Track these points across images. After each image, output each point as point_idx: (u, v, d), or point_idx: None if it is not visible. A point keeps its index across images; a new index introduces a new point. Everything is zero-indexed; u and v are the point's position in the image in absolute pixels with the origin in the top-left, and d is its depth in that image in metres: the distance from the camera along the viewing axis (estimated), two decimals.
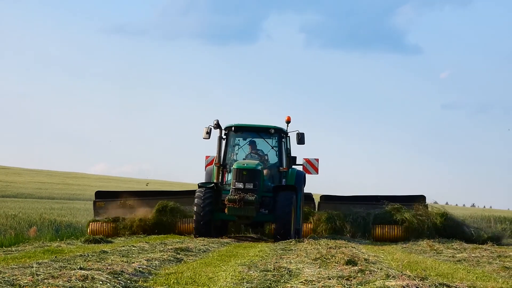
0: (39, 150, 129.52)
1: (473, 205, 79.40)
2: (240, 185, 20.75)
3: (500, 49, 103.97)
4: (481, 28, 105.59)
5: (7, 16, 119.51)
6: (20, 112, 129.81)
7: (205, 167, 23.96)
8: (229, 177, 22.03)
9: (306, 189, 24.34)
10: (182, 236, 21.66)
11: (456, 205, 75.62)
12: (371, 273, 10.60)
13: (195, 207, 21.01)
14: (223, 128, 22.24)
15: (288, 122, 22.39)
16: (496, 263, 14.38)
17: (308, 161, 25.14)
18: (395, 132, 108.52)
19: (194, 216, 21.05)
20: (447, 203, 73.05)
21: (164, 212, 23.35)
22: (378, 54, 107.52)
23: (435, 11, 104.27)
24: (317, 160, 25.40)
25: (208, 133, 21.95)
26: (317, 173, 25.50)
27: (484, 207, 76.43)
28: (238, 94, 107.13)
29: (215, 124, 21.90)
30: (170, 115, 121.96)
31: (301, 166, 24.12)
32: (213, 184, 21.46)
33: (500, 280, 11.75)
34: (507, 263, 14.32)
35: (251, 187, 20.75)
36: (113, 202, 24.91)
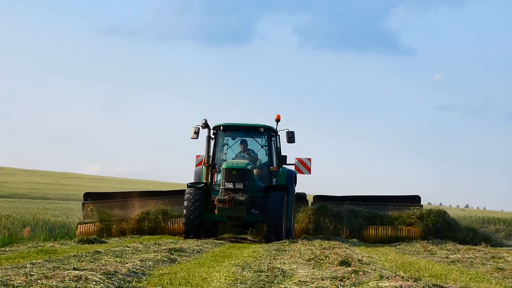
0: (33, 151, 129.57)
1: (466, 206, 79.43)
2: (230, 185, 20.49)
3: (493, 51, 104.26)
4: (475, 29, 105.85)
5: (1, 16, 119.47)
6: (14, 112, 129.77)
7: (196, 166, 23.79)
8: (219, 177, 21.81)
9: (300, 189, 24.31)
10: (176, 237, 21.61)
11: (450, 206, 75.65)
12: (364, 274, 10.60)
13: (184, 208, 20.75)
14: (211, 128, 22.01)
15: (277, 120, 22.16)
16: (489, 264, 14.39)
17: (300, 160, 25.03)
18: (389, 133, 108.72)
19: (184, 217, 20.80)
20: (441, 204, 73.08)
21: (143, 220, 23.20)
22: (372, 55, 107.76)
23: (429, 12, 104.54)
24: (309, 159, 25.28)
25: (196, 132, 21.73)
26: (310, 173, 25.38)
27: (478, 208, 76.57)
28: (232, 95, 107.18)
29: (203, 123, 21.63)
30: (164, 116, 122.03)
31: (293, 166, 24.03)
32: (202, 184, 21.19)
33: (493, 281, 11.76)
34: (500, 264, 14.33)
35: (241, 187, 20.48)
36: (102, 203, 24.65)
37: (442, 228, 23.73)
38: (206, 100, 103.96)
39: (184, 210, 20.72)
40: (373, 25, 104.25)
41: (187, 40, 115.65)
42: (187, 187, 21.24)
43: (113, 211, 23.86)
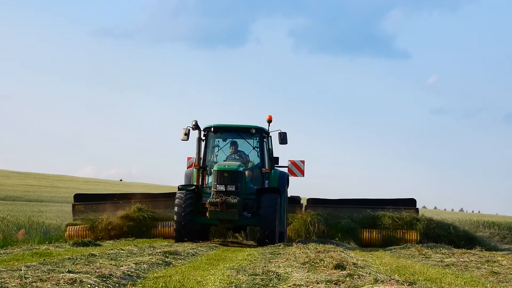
0: (28, 153, 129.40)
1: (461, 210, 79.64)
2: (222, 188, 20.21)
3: (488, 54, 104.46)
4: (469, 33, 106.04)
5: None
6: (8, 114, 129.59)
7: (187, 168, 23.60)
8: (210, 179, 21.54)
9: (293, 192, 24.21)
10: (171, 240, 21.53)
11: (445, 209, 75.81)
12: (359, 278, 10.60)
13: (175, 211, 20.42)
14: (202, 129, 21.72)
15: (269, 121, 21.94)
16: (484, 268, 14.40)
17: (293, 163, 24.90)
18: (384, 136, 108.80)
19: (175, 219, 20.46)
20: (435, 208, 73.27)
21: (128, 223, 23.05)
22: (367, 58, 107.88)
23: (424, 16, 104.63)
24: (302, 162, 25.14)
25: (187, 134, 21.43)
26: (303, 176, 25.24)
27: (473, 211, 76.69)
28: (226, 98, 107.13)
29: (193, 125, 21.32)
30: (158, 118, 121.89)
31: (286, 168, 23.90)
32: (193, 187, 20.92)
33: (488, 285, 11.78)
34: (495, 268, 14.33)
35: (233, 189, 20.21)
36: (93, 205, 24.53)
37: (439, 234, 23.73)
38: (201, 103, 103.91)
39: (175, 213, 20.44)
40: (368, 28, 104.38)
41: (182, 42, 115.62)
42: (178, 190, 20.93)
43: (103, 212, 23.74)
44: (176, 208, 20.44)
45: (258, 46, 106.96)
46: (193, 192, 20.71)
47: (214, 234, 23.95)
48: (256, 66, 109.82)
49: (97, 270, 10.78)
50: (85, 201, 25.21)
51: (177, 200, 20.52)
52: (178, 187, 21.07)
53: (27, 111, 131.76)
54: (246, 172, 21.39)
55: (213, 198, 20.10)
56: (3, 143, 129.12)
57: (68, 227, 23.40)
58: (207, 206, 20.13)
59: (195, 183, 21.43)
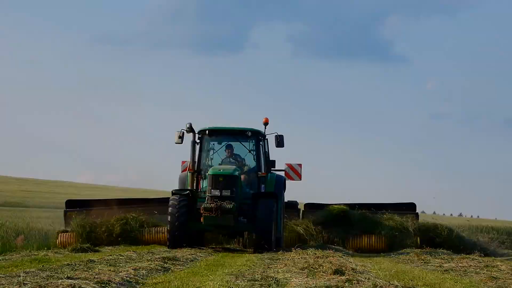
0: (27, 159, 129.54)
1: (460, 215, 79.73)
2: (217, 193, 19.84)
3: (486, 59, 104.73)
4: (468, 38, 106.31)
5: None
6: (7, 121, 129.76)
7: (182, 172, 23.22)
8: (204, 184, 21.25)
9: (290, 196, 24.07)
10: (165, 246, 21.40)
11: (444, 214, 75.87)
12: (358, 283, 10.61)
13: (169, 216, 20.05)
14: (196, 132, 21.39)
15: (265, 124, 21.69)
16: (483, 273, 14.39)
17: (290, 166, 24.72)
18: (383, 141, 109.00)
19: (168, 225, 20.12)
20: (434, 213, 73.30)
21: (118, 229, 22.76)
22: (365, 64, 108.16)
23: (422, 21, 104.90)
24: (300, 165, 24.92)
25: (181, 137, 21.12)
26: (300, 179, 25.02)
27: (472, 216, 76.78)
28: (225, 101, 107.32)
29: (187, 127, 20.94)
30: (157, 123, 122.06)
31: (283, 172, 23.72)
32: (188, 191, 20.58)
33: None
34: (494, 273, 14.33)
35: (229, 194, 19.85)
36: (85, 211, 24.38)
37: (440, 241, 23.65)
38: (199, 107, 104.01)
39: (169, 217, 20.05)
40: (367, 34, 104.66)
41: (180, 48, 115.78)
42: (172, 194, 20.56)
43: (96, 219, 23.54)
44: (169, 217, 20.09)
45: (256, 51, 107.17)
46: (187, 197, 20.37)
47: (210, 240, 23.69)
48: (254, 71, 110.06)
49: (96, 276, 10.79)
50: (77, 207, 25.03)
51: (170, 208, 20.17)
52: (172, 191, 20.70)
53: (26, 117, 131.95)
54: (242, 176, 21.11)
55: (207, 203, 19.80)
56: (2, 149, 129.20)
57: (60, 234, 23.17)
58: (201, 211, 19.80)
59: (189, 188, 21.15)
